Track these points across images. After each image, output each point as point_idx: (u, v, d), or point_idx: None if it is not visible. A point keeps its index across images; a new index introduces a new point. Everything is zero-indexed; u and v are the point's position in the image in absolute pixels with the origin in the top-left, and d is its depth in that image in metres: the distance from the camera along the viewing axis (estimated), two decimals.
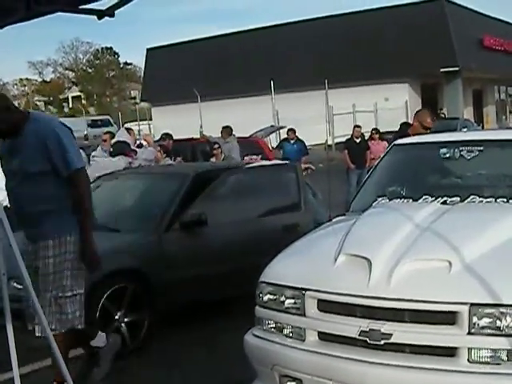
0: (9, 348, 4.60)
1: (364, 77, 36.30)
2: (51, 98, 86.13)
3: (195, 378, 6.22)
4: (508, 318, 3.85)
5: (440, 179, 6.33)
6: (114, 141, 11.50)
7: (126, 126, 23.78)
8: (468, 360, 3.91)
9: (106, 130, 18.01)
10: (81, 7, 3.62)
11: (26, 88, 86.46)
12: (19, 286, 5.90)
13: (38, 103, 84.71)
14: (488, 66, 39.21)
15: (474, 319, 3.89)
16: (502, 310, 3.86)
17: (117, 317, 6.82)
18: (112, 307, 6.77)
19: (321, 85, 33.35)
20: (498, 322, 3.87)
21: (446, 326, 3.96)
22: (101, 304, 6.63)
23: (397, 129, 9.39)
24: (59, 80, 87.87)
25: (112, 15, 3.46)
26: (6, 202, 10.08)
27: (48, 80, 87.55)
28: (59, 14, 3.90)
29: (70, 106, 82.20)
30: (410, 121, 9.71)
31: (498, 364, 3.87)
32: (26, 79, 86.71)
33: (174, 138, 14.92)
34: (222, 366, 6.34)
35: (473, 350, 3.91)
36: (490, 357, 3.89)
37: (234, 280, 7.91)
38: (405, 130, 8.42)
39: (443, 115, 35.56)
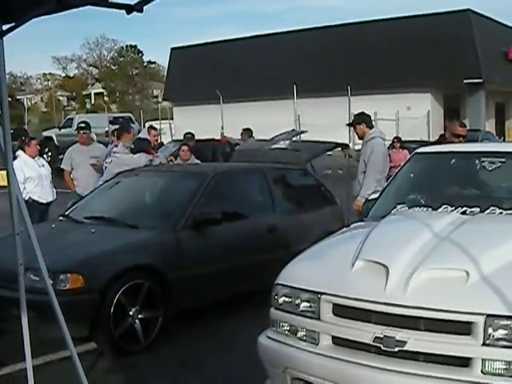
0: (23, 339, 4.62)
1: (387, 85, 36.21)
2: (74, 94, 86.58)
3: (206, 376, 6.22)
4: None
5: (460, 189, 6.31)
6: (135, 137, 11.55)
7: (150, 124, 23.85)
8: (482, 371, 3.89)
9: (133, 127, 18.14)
10: (110, 1, 3.62)
11: (50, 83, 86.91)
12: (36, 278, 5.97)
13: (60, 98, 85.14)
14: None
15: (490, 330, 3.87)
16: None
17: (131, 313, 6.84)
18: (127, 303, 6.79)
19: (343, 91, 33.29)
20: None
21: (461, 336, 3.94)
22: (116, 299, 6.65)
23: (418, 138, 9.45)
24: (82, 76, 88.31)
25: (141, 10, 3.45)
26: (32, 196, 10.25)
27: (71, 75, 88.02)
28: (87, 7, 3.90)
29: (93, 102, 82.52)
30: (432, 131, 9.79)
31: None
32: (50, 74, 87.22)
33: (196, 137, 14.98)
34: (234, 366, 6.35)
35: (487, 362, 3.88)
36: (504, 369, 3.86)
37: (248, 278, 7.97)
38: (440, 142, 8.43)
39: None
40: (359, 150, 9.77)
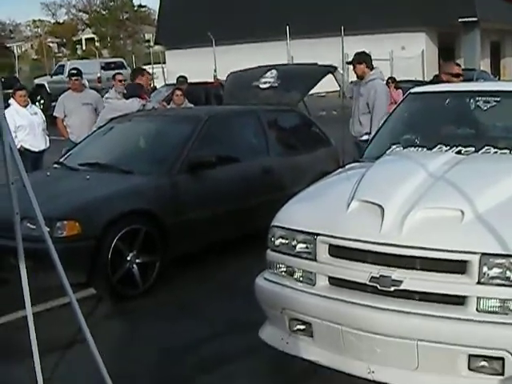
0: (22, 287, 4.65)
1: (381, 25, 35.85)
2: (64, 40, 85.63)
3: (204, 318, 6.28)
4: None
5: (455, 129, 6.30)
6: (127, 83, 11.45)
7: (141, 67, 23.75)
8: (476, 309, 3.93)
9: (125, 72, 17.91)
10: None
11: (39, 29, 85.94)
12: (32, 226, 5.97)
13: (50, 45, 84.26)
14: (507, 18, 38.64)
15: (484, 269, 3.90)
16: None
17: (129, 258, 6.88)
18: (124, 248, 6.83)
19: (336, 31, 32.96)
20: (508, 273, 3.88)
21: (456, 275, 3.97)
22: (113, 245, 6.68)
23: (412, 78, 9.39)
24: (72, 22, 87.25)
25: None
26: (24, 144, 10.22)
27: (61, 21, 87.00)
28: None
29: (84, 48, 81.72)
30: (427, 71, 9.76)
31: (506, 314, 3.89)
32: (39, 20, 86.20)
33: (188, 81, 14.84)
34: (232, 309, 6.40)
35: (481, 300, 3.93)
36: (499, 307, 3.91)
37: (244, 220, 8.02)
38: (436, 82, 8.37)
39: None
40: (352, 83, 9.76)
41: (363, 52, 9.64)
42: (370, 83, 9.26)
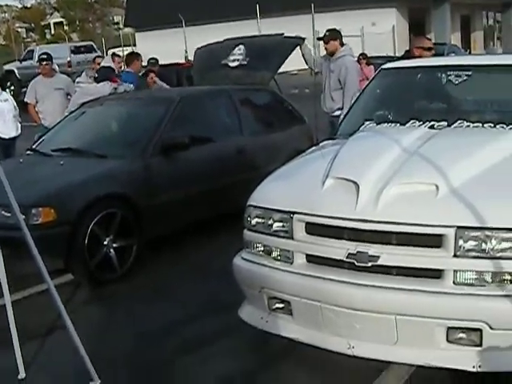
0: None
1: (351, 1, 35.85)
2: (33, 25, 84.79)
3: (182, 301, 6.28)
4: (493, 241, 3.89)
5: (427, 104, 6.32)
6: (97, 66, 11.38)
7: (112, 51, 23.51)
8: (453, 282, 3.97)
9: (94, 55, 17.71)
10: None
11: (7, 15, 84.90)
12: (7, 214, 5.94)
13: (19, 30, 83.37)
14: None
15: (460, 242, 3.93)
16: (488, 233, 3.90)
17: (105, 242, 6.86)
18: (101, 233, 6.80)
19: (307, 9, 32.91)
20: (484, 245, 3.92)
21: (433, 249, 4.00)
22: (89, 230, 6.65)
23: (384, 54, 9.44)
24: (40, 6, 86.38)
25: None
26: None
27: (29, 6, 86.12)
28: None
29: (52, 32, 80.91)
30: (398, 46, 9.84)
31: (483, 286, 3.93)
32: (6, 5, 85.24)
33: (160, 62, 14.76)
34: (210, 289, 6.41)
35: (458, 273, 3.96)
36: (475, 279, 3.95)
37: (219, 201, 8.03)
38: (408, 57, 8.40)
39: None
40: (322, 58, 9.76)
41: (335, 29, 9.67)
42: (340, 60, 9.32)
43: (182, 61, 23.08)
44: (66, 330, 4.45)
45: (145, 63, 13.73)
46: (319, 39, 9.77)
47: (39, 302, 6.15)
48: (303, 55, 10.07)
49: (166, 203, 7.47)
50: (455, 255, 3.94)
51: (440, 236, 3.97)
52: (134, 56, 11.52)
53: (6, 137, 10.56)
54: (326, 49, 9.52)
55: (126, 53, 32.18)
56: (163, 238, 7.68)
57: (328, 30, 9.64)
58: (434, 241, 3.99)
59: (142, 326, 5.79)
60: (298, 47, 10.06)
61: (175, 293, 6.53)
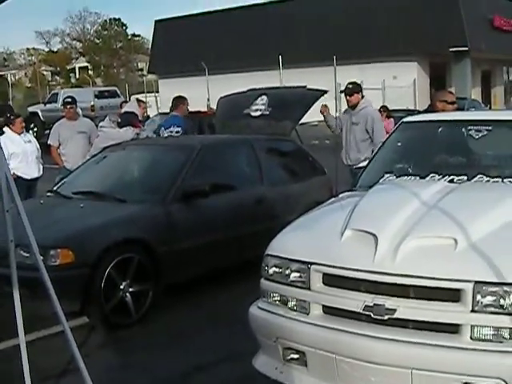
0: (15, 315, 4.64)
1: (372, 54, 36.10)
2: (58, 69, 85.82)
3: (198, 348, 6.26)
4: None
5: (447, 158, 6.32)
6: (122, 111, 11.48)
7: (136, 97, 23.78)
8: (471, 337, 3.93)
9: (119, 101, 17.91)
10: None
11: (33, 58, 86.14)
12: (26, 254, 5.97)
13: (44, 73, 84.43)
14: (497, 47, 38.92)
15: (478, 297, 3.90)
16: (506, 288, 3.87)
17: (122, 287, 6.87)
18: (117, 277, 6.82)
19: (329, 61, 33.17)
20: (502, 301, 3.89)
21: (450, 303, 3.97)
22: (106, 273, 6.67)
23: (404, 107, 9.53)
24: (66, 50, 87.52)
25: None
26: (16, 171, 10.23)
27: (55, 50, 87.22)
28: None
29: (77, 76, 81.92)
30: (418, 99, 9.98)
31: (501, 342, 3.89)
32: (33, 49, 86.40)
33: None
34: (226, 338, 6.39)
35: (476, 328, 3.93)
36: (493, 335, 3.91)
37: (237, 249, 8.03)
38: (431, 111, 8.48)
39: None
40: (344, 113, 9.85)
41: (355, 82, 9.85)
42: (363, 111, 9.52)
43: (204, 109, 23.25)
44: (80, 373, 4.44)
45: (167, 110, 13.84)
46: (342, 92, 9.88)
47: (53, 344, 6.16)
48: (326, 122, 10.21)
49: (184, 250, 7.48)
50: (473, 310, 3.91)
51: (458, 290, 3.94)
52: (180, 100, 11.59)
53: (28, 177, 10.64)
54: (348, 101, 9.66)
55: (149, 99, 32.52)
56: (180, 284, 7.67)
57: (350, 83, 9.81)
58: (451, 295, 3.96)
59: (155, 371, 5.77)
60: (322, 115, 10.15)
61: (190, 340, 6.51)
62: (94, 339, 6.59)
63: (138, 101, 12.86)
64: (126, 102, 12.09)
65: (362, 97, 9.67)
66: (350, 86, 9.72)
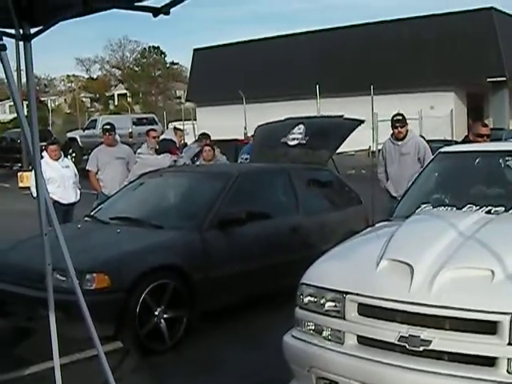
0: (50, 338, 4.67)
1: (409, 84, 36.07)
2: (97, 95, 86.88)
3: (232, 376, 6.25)
4: None
5: (484, 188, 6.29)
6: (160, 138, 11.58)
7: (174, 125, 23.94)
8: (507, 371, 3.89)
9: (149, 127, 17.96)
10: (136, 4, 3.65)
11: (73, 84, 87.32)
12: (62, 278, 6.03)
13: (84, 99, 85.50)
14: None
15: None
16: None
17: (156, 312, 6.88)
18: (152, 302, 6.83)
19: (366, 91, 33.22)
20: None
21: (487, 336, 3.94)
22: (142, 299, 6.69)
23: (441, 137, 9.51)
24: (106, 77, 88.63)
25: (167, 13, 3.47)
26: (53, 196, 10.35)
27: (95, 77, 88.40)
28: (112, 10, 3.94)
29: (116, 103, 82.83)
30: (455, 130, 10.00)
31: None
32: (74, 76, 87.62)
33: (219, 137, 14.96)
34: (260, 366, 6.37)
35: None
36: None
37: (272, 278, 8.02)
38: (467, 142, 8.50)
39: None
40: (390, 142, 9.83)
41: (402, 114, 9.97)
42: (411, 141, 9.67)
43: (241, 137, 23.38)
44: None
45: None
46: (393, 122, 9.81)
47: (87, 368, 6.18)
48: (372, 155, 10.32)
49: (219, 277, 7.49)
50: (510, 343, 3.86)
51: (494, 323, 3.91)
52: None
53: (66, 202, 10.75)
54: (399, 133, 9.67)
55: (186, 126, 32.72)
56: (215, 311, 7.67)
57: (398, 115, 9.90)
58: (488, 327, 3.93)
59: None
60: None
61: (225, 366, 6.50)
62: (127, 364, 6.60)
63: (175, 129, 12.98)
64: (153, 129, 12.12)
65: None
66: (400, 117, 9.79)
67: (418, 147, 9.56)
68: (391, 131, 9.83)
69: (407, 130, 9.72)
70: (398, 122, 9.72)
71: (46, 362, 5.78)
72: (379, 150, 10.45)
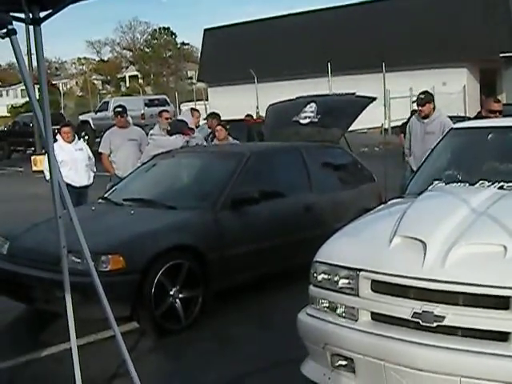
0: (67, 320, 4.72)
1: (422, 61, 35.86)
2: (108, 77, 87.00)
3: (247, 354, 6.29)
4: None
5: (497, 164, 6.26)
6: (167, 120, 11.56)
7: (191, 106, 23.88)
8: None
9: (161, 108, 17.89)
10: None
11: (84, 67, 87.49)
12: (77, 260, 6.08)
13: (95, 82, 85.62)
14: None
15: None
16: None
17: (171, 292, 6.93)
18: (167, 283, 6.88)
19: (378, 68, 33.09)
20: None
21: (499, 311, 3.95)
22: (156, 279, 6.74)
23: (454, 114, 9.45)
24: (117, 59, 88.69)
25: None
26: (65, 179, 10.37)
27: (106, 59, 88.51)
28: None
29: (127, 85, 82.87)
30: (468, 106, 9.97)
31: None
32: (84, 58, 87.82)
33: (231, 117, 14.91)
34: (274, 344, 6.40)
35: None
36: None
37: (286, 256, 8.04)
38: (480, 118, 8.46)
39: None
40: (395, 127, 9.80)
41: (427, 91, 9.93)
42: (437, 120, 9.56)
43: (254, 116, 23.37)
44: (130, 377, 4.50)
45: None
46: (414, 102, 9.80)
47: (104, 348, 6.25)
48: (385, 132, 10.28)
49: (233, 256, 7.53)
50: None
51: (507, 298, 3.91)
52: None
53: (78, 185, 10.78)
54: (421, 111, 9.66)
55: (198, 107, 32.82)
56: (230, 289, 7.71)
57: (422, 93, 9.86)
58: (500, 303, 3.94)
59: (205, 377, 5.82)
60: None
61: (239, 345, 6.55)
62: (143, 344, 6.65)
63: (193, 110, 12.89)
64: (165, 110, 12.08)
65: (434, 106, 9.67)
66: (423, 96, 9.75)
67: (443, 127, 9.34)
68: (408, 108, 9.78)
69: (432, 109, 9.64)
70: (419, 99, 9.72)
71: (64, 344, 5.86)
72: (392, 127, 10.45)
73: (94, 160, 11.37)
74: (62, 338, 5.69)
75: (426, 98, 9.66)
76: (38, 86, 4.46)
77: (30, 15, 4.19)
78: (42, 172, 11.59)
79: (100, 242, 6.66)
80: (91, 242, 4.98)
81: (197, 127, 12.20)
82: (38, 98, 4.48)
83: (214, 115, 13.80)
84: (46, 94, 4.50)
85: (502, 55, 35.98)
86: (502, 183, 5.51)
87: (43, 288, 6.76)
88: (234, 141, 11.92)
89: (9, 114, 62.51)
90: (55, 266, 5.19)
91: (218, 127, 11.87)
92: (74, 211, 4.49)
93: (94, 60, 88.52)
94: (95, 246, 6.01)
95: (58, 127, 11.14)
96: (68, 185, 10.20)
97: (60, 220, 4.54)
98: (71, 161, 10.84)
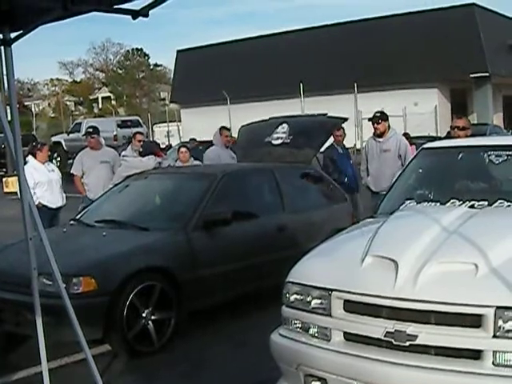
0: (38, 343, 4.67)
1: (393, 81, 36.19)
2: (81, 99, 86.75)
3: (220, 376, 6.26)
4: None
5: (468, 183, 6.32)
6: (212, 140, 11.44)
7: (156, 126, 23.86)
8: (493, 363, 3.90)
9: (135, 130, 17.86)
10: (115, 7, 3.66)
11: (57, 88, 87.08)
12: (48, 282, 6.03)
13: (68, 103, 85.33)
14: None
15: (500, 322, 3.88)
16: None
17: (144, 314, 6.88)
18: (140, 304, 6.84)
19: (350, 88, 33.33)
20: None
21: (472, 329, 3.95)
22: (129, 301, 6.69)
23: (426, 134, 9.58)
24: (89, 80, 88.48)
25: (146, 15, 3.50)
26: (42, 200, 10.30)
27: (78, 80, 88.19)
28: (93, 13, 3.96)
29: (100, 106, 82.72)
30: (440, 126, 10.09)
31: None
32: (57, 79, 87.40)
33: (203, 139, 14.95)
34: (248, 365, 6.39)
35: (498, 354, 3.90)
36: None
37: (259, 277, 8.03)
38: (450, 137, 8.60)
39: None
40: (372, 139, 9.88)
41: (383, 111, 10.12)
42: (392, 138, 9.80)
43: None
44: None
45: (188, 139, 13.92)
46: (370, 120, 9.98)
47: (76, 371, 6.19)
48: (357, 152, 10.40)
49: (206, 277, 7.50)
50: (495, 336, 3.89)
51: (479, 316, 3.93)
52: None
53: (53, 206, 10.73)
54: (376, 129, 9.80)
55: (171, 128, 32.69)
56: (201, 311, 7.68)
57: (377, 112, 10.07)
58: (473, 321, 3.95)
59: None
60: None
61: (213, 367, 6.51)
62: (115, 367, 6.61)
63: (222, 129, 12.52)
64: (140, 133, 12.00)
65: (389, 125, 9.85)
66: (378, 114, 9.95)
67: (398, 144, 9.70)
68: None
69: (387, 127, 9.83)
70: (375, 118, 9.90)
71: (35, 367, 5.80)
72: (364, 148, 10.54)
73: (61, 181, 11.31)
74: (32, 361, 5.62)
75: (380, 117, 9.87)
76: (9, 107, 4.44)
77: (1, 36, 4.18)
78: (13, 193, 11.51)
79: (71, 263, 6.61)
80: (62, 263, 4.95)
81: (226, 147, 11.97)
82: (9, 119, 4.46)
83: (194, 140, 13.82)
84: (17, 116, 4.48)
85: (472, 76, 36.41)
86: (472, 202, 5.54)
87: (13, 310, 6.70)
88: (196, 162, 11.87)
89: None
90: (26, 288, 5.14)
91: (182, 149, 11.79)
92: (45, 233, 4.47)
93: (67, 81, 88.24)
94: (67, 268, 5.98)
95: (34, 146, 11.05)
96: (44, 206, 10.25)
97: (30, 242, 4.51)
98: (47, 182, 10.78)
